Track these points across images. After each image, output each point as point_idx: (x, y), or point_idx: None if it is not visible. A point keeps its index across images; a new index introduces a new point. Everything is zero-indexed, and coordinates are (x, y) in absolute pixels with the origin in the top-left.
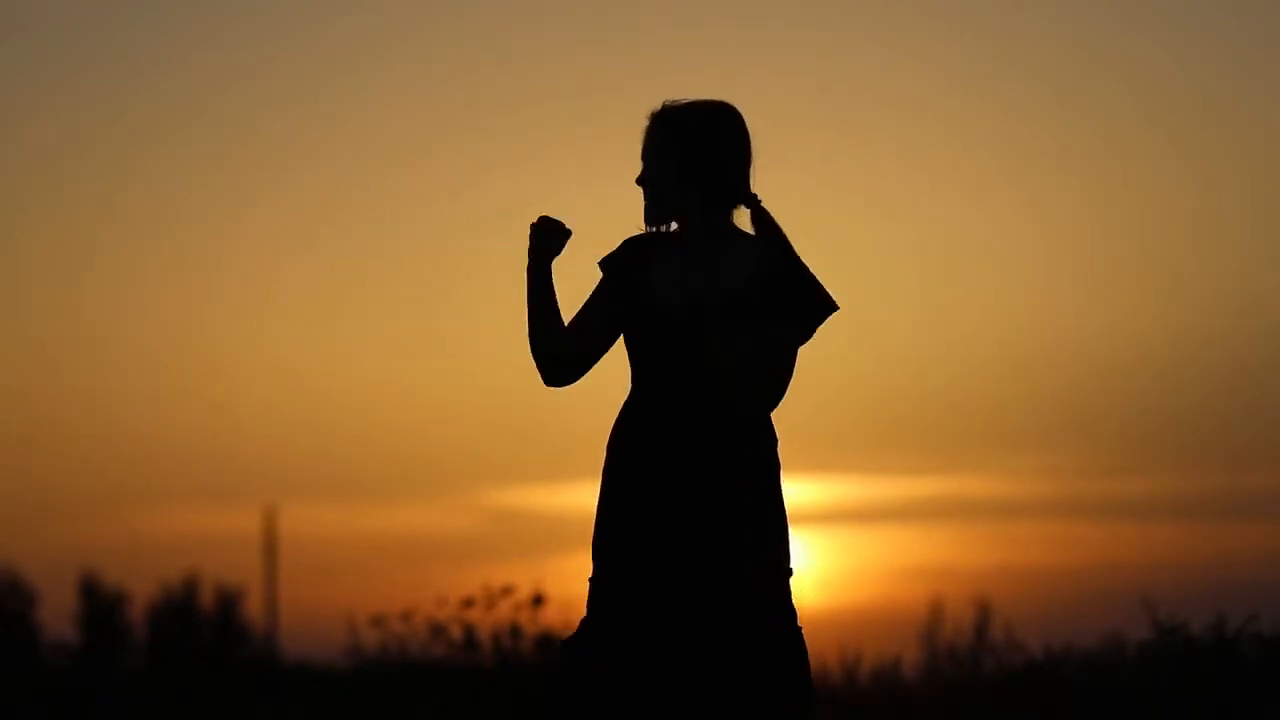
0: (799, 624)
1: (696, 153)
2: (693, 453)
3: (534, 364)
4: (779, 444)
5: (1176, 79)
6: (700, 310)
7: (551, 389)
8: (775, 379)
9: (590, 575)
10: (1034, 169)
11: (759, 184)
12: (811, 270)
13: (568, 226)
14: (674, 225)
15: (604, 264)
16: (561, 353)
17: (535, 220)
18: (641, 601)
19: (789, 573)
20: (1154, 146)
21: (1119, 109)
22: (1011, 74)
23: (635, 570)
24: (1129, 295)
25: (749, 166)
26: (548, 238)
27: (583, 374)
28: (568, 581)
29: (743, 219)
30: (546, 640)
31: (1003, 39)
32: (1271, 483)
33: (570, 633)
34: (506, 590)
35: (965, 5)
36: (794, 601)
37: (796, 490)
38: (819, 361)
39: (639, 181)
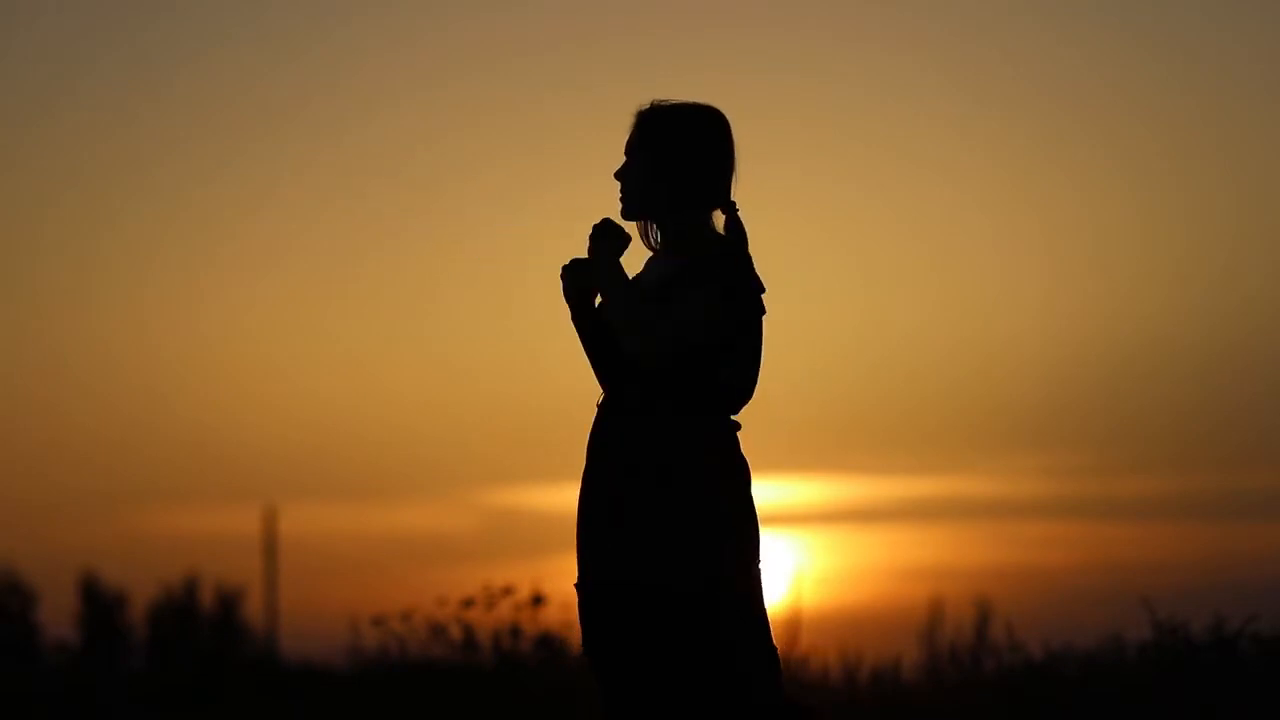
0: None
1: (675, 152)
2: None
3: (631, 347)
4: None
5: (1174, 80)
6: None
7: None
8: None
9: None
10: (1033, 170)
11: (759, 186)
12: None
13: (628, 233)
14: (650, 221)
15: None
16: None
17: (599, 222)
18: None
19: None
20: (1151, 147)
21: (1115, 110)
22: (1010, 75)
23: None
24: (1129, 295)
25: (730, 172)
26: (612, 241)
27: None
28: (567, 581)
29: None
30: (546, 640)
31: (1000, 40)
32: (1271, 483)
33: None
34: (506, 590)
35: (961, 4)
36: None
37: (798, 490)
38: (819, 362)
39: (617, 175)
